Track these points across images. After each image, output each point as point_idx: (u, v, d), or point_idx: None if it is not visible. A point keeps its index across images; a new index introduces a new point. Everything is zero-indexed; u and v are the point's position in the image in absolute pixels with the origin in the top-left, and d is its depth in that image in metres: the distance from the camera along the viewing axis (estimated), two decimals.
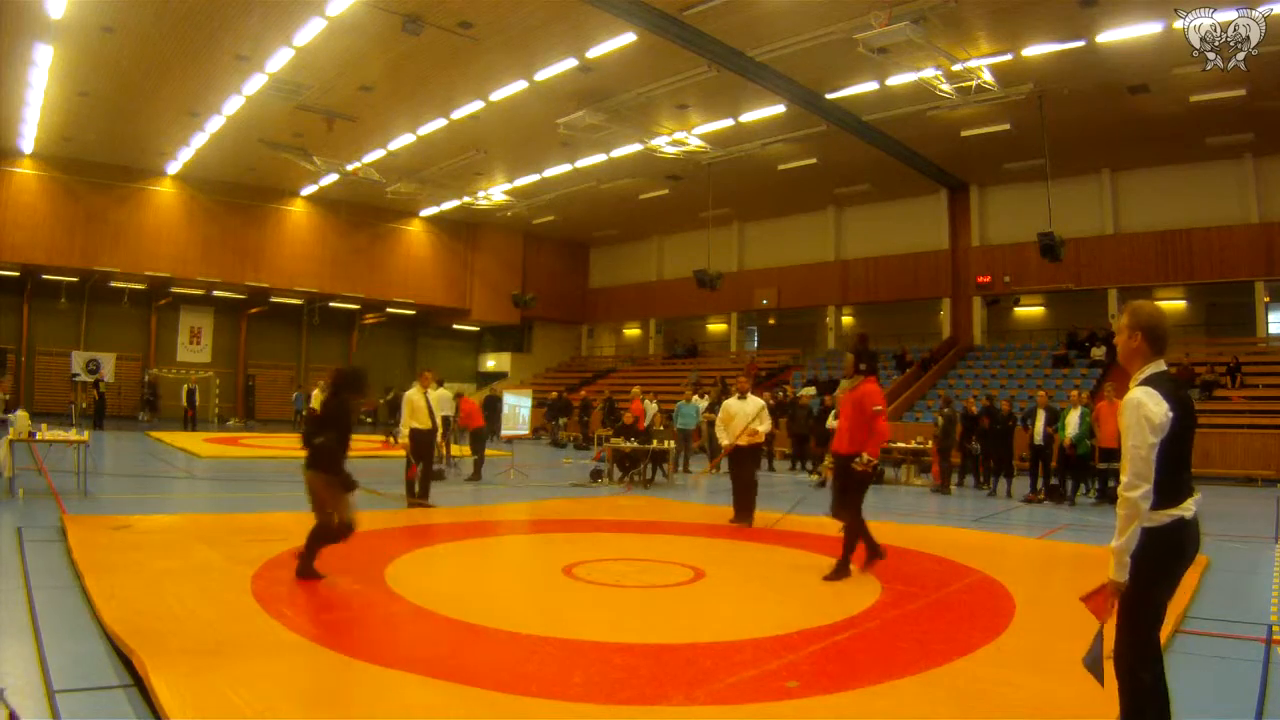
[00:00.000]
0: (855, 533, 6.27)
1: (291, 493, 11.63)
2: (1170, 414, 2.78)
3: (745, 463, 9.18)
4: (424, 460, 9.57)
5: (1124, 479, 2.77)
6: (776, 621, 4.92)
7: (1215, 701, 3.81)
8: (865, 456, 6.18)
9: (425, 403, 9.59)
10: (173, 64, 17.48)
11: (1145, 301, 3.15)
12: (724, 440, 9.19)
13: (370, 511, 9.20)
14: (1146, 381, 2.88)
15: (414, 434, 9.50)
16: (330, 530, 5.49)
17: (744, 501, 9.03)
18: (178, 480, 11.82)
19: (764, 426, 9.08)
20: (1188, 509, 2.84)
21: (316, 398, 19.61)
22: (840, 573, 6.12)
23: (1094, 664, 2.99)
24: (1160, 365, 2.95)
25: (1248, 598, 5.94)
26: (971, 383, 21.63)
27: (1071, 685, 3.84)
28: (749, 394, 9.34)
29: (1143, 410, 2.77)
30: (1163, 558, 2.83)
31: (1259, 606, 5.63)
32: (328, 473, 5.42)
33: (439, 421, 9.77)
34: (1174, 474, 2.80)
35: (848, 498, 6.36)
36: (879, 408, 6.30)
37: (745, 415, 9.05)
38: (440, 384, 15.45)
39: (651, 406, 18.82)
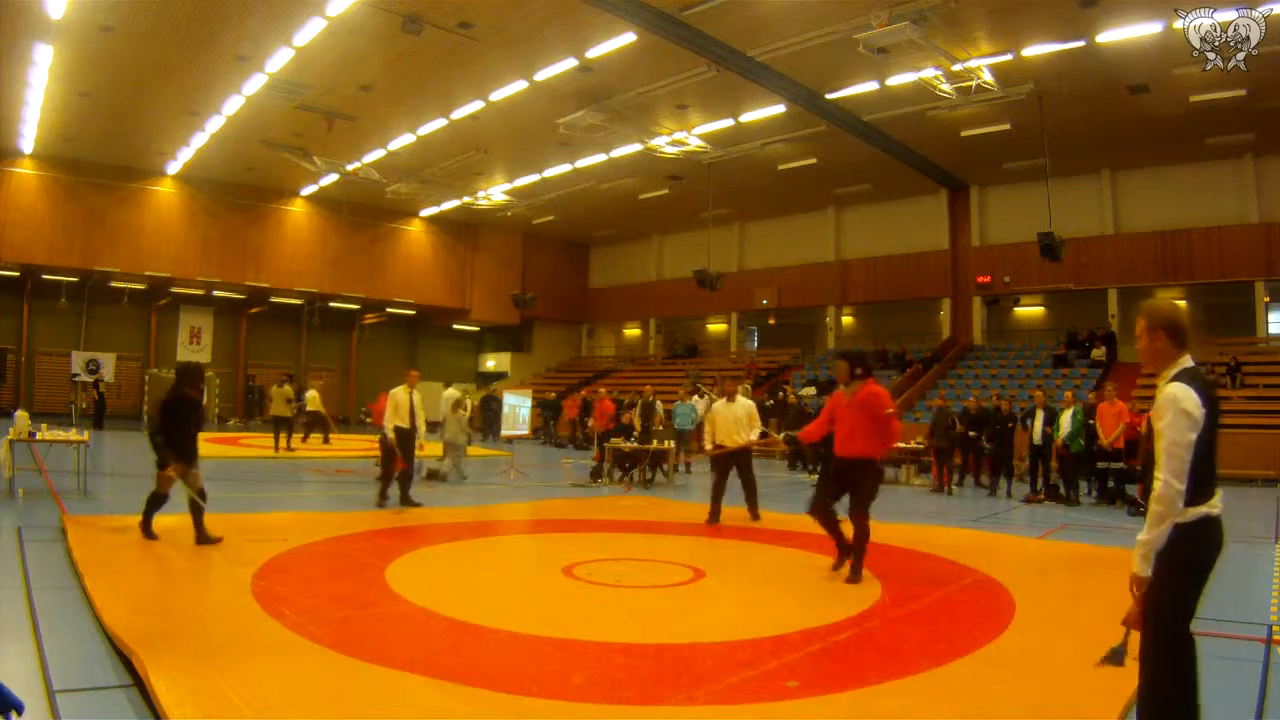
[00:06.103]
0: (866, 534, 6.12)
1: (291, 493, 11.67)
2: (1203, 409, 2.73)
3: (743, 465, 9.13)
4: (405, 460, 9.60)
5: (1161, 476, 2.71)
6: (776, 621, 4.92)
7: (1215, 701, 3.79)
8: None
9: (410, 402, 9.64)
10: (173, 64, 17.47)
11: (1156, 300, 3.14)
12: (708, 445, 9.13)
13: (370, 512, 9.25)
14: (1178, 377, 2.83)
15: (397, 432, 9.56)
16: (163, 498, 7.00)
17: (749, 500, 9.14)
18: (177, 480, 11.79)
19: (753, 434, 8.98)
20: (1214, 506, 2.79)
21: (314, 398, 19.66)
22: (858, 575, 6.04)
23: (1115, 657, 3.16)
24: (1187, 360, 2.89)
25: (1248, 598, 5.93)
26: (971, 383, 21.61)
27: (1072, 685, 3.85)
28: (738, 396, 9.16)
29: (1180, 405, 2.72)
30: (1192, 555, 2.77)
31: (1259, 606, 5.63)
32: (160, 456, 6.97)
33: (420, 422, 9.78)
34: (1202, 470, 2.74)
35: (861, 500, 6.16)
36: (890, 410, 6.24)
37: (735, 420, 8.95)
38: (448, 384, 15.35)
39: (656, 406, 18.76)
